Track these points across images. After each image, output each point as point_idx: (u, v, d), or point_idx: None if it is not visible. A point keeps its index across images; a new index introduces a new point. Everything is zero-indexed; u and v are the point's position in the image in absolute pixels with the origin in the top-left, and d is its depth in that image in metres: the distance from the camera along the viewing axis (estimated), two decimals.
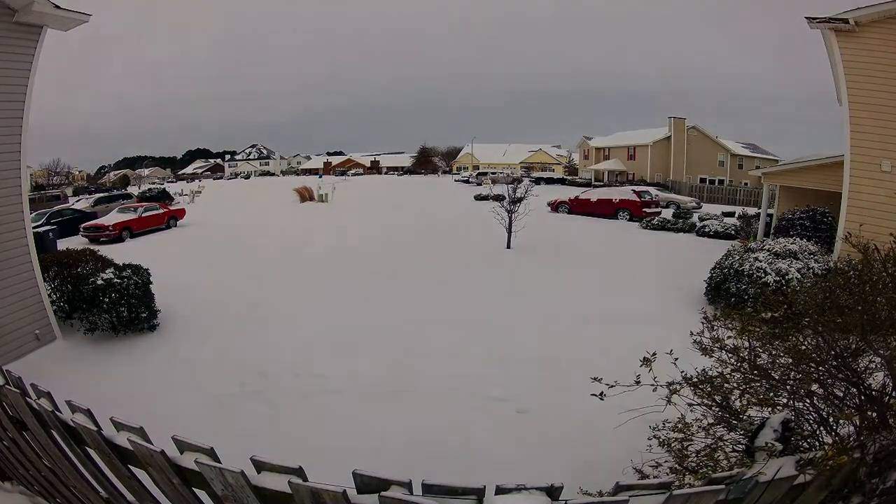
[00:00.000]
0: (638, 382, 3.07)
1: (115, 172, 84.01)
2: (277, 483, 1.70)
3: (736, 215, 20.70)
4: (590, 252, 13.85)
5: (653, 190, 26.65)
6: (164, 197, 29.21)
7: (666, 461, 3.36)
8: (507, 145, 74.97)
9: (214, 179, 75.60)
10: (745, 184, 39.09)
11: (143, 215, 18.91)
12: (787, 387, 2.75)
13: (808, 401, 2.69)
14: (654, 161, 44.91)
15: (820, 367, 2.64)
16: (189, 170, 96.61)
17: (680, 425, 3.28)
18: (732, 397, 3.03)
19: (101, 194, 30.92)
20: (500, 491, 1.56)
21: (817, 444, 2.60)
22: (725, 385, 3.03)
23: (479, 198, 29.34)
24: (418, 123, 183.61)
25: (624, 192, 22.07)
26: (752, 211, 20.58)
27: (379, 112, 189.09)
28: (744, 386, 2.98)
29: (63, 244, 13.37)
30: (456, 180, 52.21)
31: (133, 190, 39.67)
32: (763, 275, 8.10)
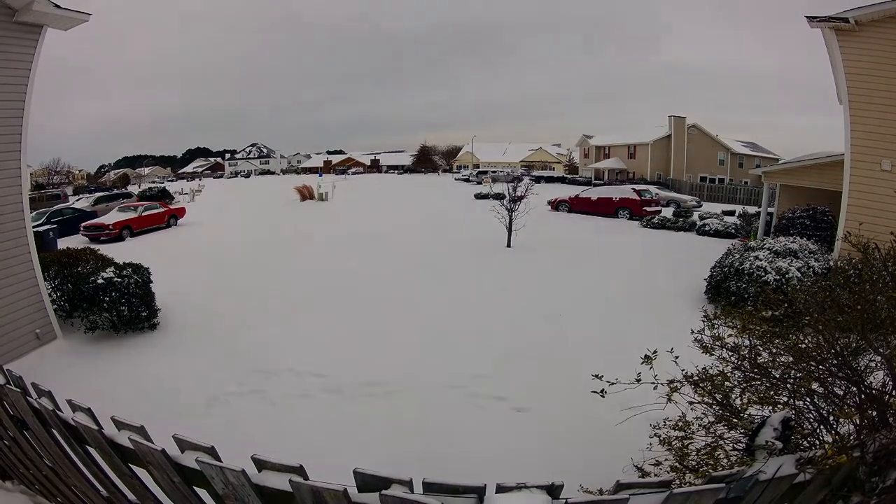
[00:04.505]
0: (638, 380, 3.07)
1: (115, 171, 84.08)
2: (278, 482, 1.70)
3: (736, 214, 20.69)
4: (590, 250, 13.85)
5: (653, 188, 26.66)
6: (164, 196, 29.18)
7: (666, 459, 3.36)
8: (507, 144, 74.94)
9: (215, 178, 75.63)
10: (746, 182, 39.17)
11: (144, 214, 18.92)
12: (788, 385, 2.75)
13: (808, 399, 2.68)
14: (655, 159, 44.94)
15: (820, 366, 2.63)
16: (189, 169, 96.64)
17: (680, 423, 3.28)
18: (733, 395, 3.03)
19: (101, 193, 30.95)
20: (501, 489, 1.56)
21: (817, 442, 2.60)
22: (726, 383, 3.03)
23: (479, 196, 29.36)
24: (419, 116, 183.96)
25: (624, 191, 22.07)
26: (752, 209, 20.58)
27: (380, 107, 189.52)
28: (744, 384, 2.98)
29: (63, 243, 13.39)
30: (456, 179, 52.23)
31: (133, 189, 39.71)
32: (763, 273, 8.10)
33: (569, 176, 51.20)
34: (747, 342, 3.06)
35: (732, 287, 8.31)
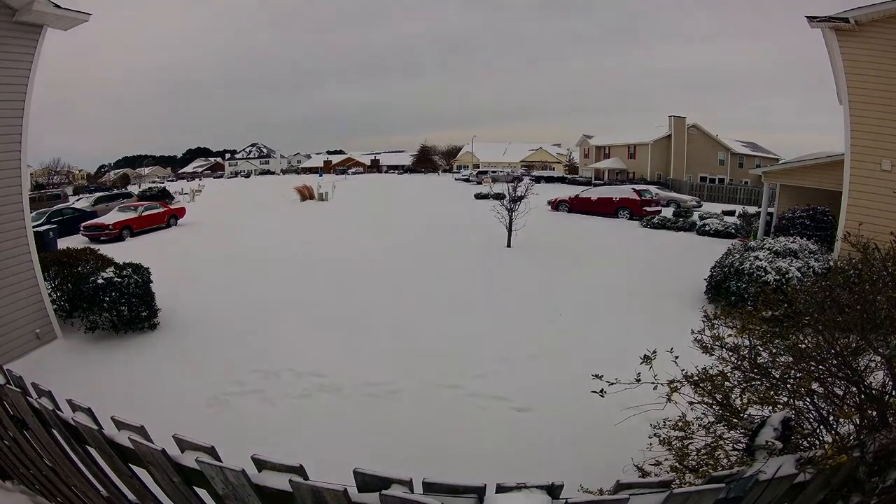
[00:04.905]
0: (638, 380, 3.07)
1: (115, 171, 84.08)
2: (278, 482, 1.70)
3: (736, 214, 20.68)
4: (590, 250, 13.85)
5: (653, 188, 26.66)
6: (164, 196, 29.18)
7: (666, 459, 3.36)
8: (507, 144, 74.93)
9: (215, 178, 75.58)
10: (746, 182, 39.16)
11: (144, 214, 18.90)
12: (788, 385, 2.75)
13: (808, 399, 2.69)
14: (655, 159, 44.94)
15: (820, 366, 2.64)
16: (189, 168, 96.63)
17: (680, 423, 3.28)
18: (733, 396, 3.03)
19: (101, 193, 30.97)
20: (501, 489, 1.57)
21: (817, 442, 2.61)
22: (726, 383, 3.03)
23: (479, 196, 29.34)
24: (419, 114, 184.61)
25: (624, 191, 22.07)
26: (752, 209, 20.59)
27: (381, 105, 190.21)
28: (744, 384, 2.98)
29: (63, 243, 13.38)
30: (456, 179, 52.23)
31: (133, 189, 39.71)
32: (763, 273, 8.10)
33: (569, 176, 51.17)
34: (747, 342, 3.06)
35: (732, 287, 8.31)
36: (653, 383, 3.09)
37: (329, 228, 18.53)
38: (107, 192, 32.07)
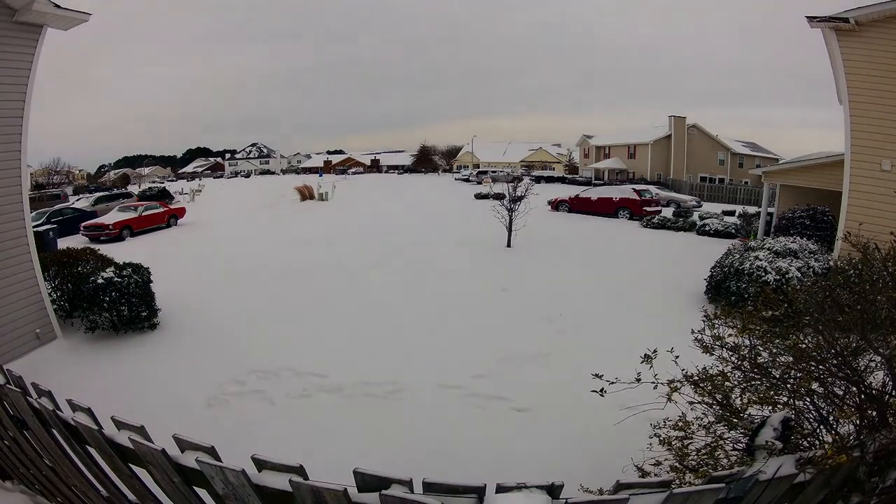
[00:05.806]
0: (639, 380, 3.07)
1: (115, 171, 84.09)
2: (278, 482, 1.70)
3: (736, 214, 20.69)
4: (590, 251, 13.86)
5: (653, 188, 26.68)
6: (164, 196, 29.20)
7: (666, 459, 3.36)
8: (507, 144, 74.89)
9: (215, 178, 75.54)
10: (746, 182, 39.18)
11: (144, 214, 18.92)
12: (788, 385, 2.75)
13: (808, 399, 2.68)
14: (655, 159, 44.96)
15: (820, 366, 2.63)
16: (189, 168, 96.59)
17: (680, 423, 3.28)
18: (733, 395, 3.03)
19: (102, 193, 31.00)
20: (501, 489, 1.57)
21: (817, 442, 2.60)
22: (726, 383, 3.03)
23: (479, 196, 29.33)
24: (413, 109, 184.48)
25: (624, 191, 22.07)
26: (752, 209, 20.59)
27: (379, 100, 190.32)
28: (744, 384, 2.98)
29: (63, 243, 13.37)
30: (456, 179, 52.23)
31: (133, 189, 39.73)
32: (763, 273, 8.10)
33: (569, 176, 51.15)
34: (747, 342, 3.06)
35: (732, 287, 8.31)
36: (653, 383, 3.09)
37: (329, 228, 18.51)
38: (107, 192, 32.10)
